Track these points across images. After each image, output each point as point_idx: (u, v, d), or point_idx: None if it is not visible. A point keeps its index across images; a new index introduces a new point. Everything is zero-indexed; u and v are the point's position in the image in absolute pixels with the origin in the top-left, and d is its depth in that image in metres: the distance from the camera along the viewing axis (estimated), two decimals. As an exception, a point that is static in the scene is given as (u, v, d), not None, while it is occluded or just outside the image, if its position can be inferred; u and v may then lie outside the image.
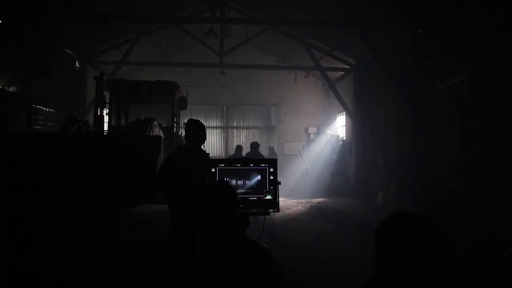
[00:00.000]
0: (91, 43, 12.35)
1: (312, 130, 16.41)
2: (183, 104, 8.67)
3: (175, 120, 8.63)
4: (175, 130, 8.64)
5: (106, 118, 7.44)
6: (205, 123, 4.21)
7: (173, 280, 1.64)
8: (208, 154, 4.37)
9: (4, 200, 4.32)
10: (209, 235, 1.68)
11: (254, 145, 9.44)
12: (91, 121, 6.48)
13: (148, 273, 1.70)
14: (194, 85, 13.23)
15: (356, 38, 10.01)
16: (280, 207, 3.12)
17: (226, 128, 17.27)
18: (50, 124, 11.07)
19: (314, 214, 9.96)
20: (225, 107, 17.20)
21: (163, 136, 6.76)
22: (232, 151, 17.10)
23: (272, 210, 3.04)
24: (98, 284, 4.66)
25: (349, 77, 13.89)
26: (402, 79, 9.40)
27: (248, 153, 9.66)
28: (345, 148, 14.18)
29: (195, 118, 4.31)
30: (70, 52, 12.10)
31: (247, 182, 2.99)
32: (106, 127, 7.53)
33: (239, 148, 10.87)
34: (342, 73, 14.49)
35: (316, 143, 15.78)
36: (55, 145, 4.79)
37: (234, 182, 2.96)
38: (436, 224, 1.46)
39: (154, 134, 6.87)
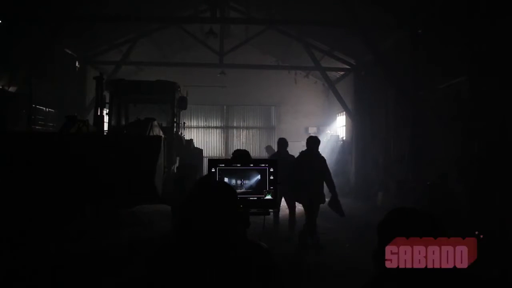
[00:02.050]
0: (91, 43, 12.36)
1: (312, 130, 16.40)
2: (183, 104, 8.66)
3: (175, 120, 8.62)
4: (175, 130, 8.63)
5: (106, 118, 7.44)
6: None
7: (173, 280, 1.64)
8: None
9: (4, 200, 4.32)
10: (209, 235, 1.68)
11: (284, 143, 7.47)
12: (91, 121, 6.49)
13: (149, 273, 1.70)
14: (194, 85, 13.22)
15: (356, 38, 10.01)
16: (280, 207, 3.12)
17: (226, 128, 17.26)
18: (50, 124, 11.07)
19: (314, 214, 9.94)
20: (225, 107, 17.19)
21: (163, 136, 6.75)
22: (232, 151, 17.10)
23: (272, 210, 3.04)
24: (98, 284, 4.65)
25: (349, 77, 13.90)
26: (402, 79, 9.40)
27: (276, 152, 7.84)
28: (345, 148, 14.18)
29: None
30: (70, 52, 12.11)
31: (247, 182, 2.99)
32: (106, 127, 7.52)
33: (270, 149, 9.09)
34: (342, 73, 14.49)
35: (316, 143, 15.74)
36: (55, 145, 4.79)
37: (234, 182, 2.96)
38: (442, 223, 1.47)
39: (154, 134, 6.86)
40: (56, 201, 4.45)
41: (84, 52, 12.64)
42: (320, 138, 15.13)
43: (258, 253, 1.73)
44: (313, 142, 6.50)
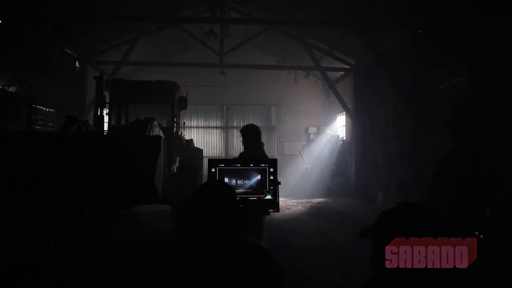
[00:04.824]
0: (91, 43, 12.35)
1: (312, 130, 16.41)
2: (183, 104, 8.66)
3: (175, 120, 8.62)
4: (175, 130, 8.63)
5: (106, 118, 7.44)
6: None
7: (174, 281, 1.64)
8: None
9: (4, 200, 4.32)
10: (209, 235, 1.68)
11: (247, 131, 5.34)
12: (91, 121, 6.49)
13: (149, 273, 1.70)
14: (194, 85, 13.21)
15: (356, 38, 10.02)
16: (280, 207, 3.12)
17: (226, 128, 17.26)
18: (50, 124, 11.07)
19: (314, 214, 9.96)
20: (225, 107, 17.19)
21: (163, 136, 6.75)
22: (232, 151, 17.14)
23: (272, 210, 3.04)
24: (98, 284, 4.66)
25: (349, 77, 13.89)
26: (402, 79, 9.40)
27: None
28: (345, 148, 14.18)
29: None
30: (70, 52, 12.10)
31: (247, 182, 2.99)
32: (106, 127, 7.52)
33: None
34: (342, 73, 14.49)
35: (316, 143, 15.77)
36: (55, 145, 4.79)
37: (234, 182, 2.96)
38: (444, 219, 1.45)
39: (154, 134, 6.86)
40: (55, 201, 4.45)
41: (84, 52, 12.63)
42: (320, 138, 14.85)
43: (258, 254, 1.73)
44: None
